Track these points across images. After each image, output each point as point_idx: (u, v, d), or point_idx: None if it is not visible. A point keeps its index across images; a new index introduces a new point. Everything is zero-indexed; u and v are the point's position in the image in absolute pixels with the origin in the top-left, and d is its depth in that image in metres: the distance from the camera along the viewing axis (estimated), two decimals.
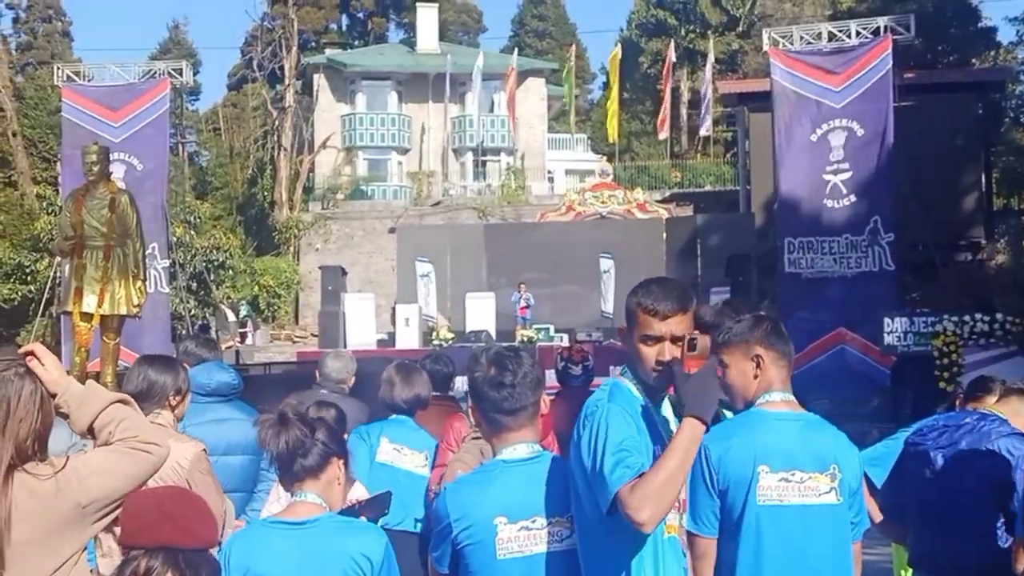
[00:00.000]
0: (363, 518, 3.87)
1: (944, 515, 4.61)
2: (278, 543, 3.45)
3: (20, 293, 30.86)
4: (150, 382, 4.69)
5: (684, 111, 47.60)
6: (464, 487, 3.41)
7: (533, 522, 3.29)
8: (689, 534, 3.46)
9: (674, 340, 3.27)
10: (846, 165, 20.67)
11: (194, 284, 30.01)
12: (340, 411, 3.79)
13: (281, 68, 43.54)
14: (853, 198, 20.55)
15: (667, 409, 3.38)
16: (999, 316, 17.66)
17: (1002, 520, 4.51)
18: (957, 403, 5.39)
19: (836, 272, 20.53)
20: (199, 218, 33.86)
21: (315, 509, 3.52)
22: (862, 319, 19.59)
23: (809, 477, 3.49)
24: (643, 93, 52.32)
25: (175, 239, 25.45)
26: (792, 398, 3.65)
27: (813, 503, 3.50)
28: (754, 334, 3.67)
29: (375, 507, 4.19)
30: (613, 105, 42.92)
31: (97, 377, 11.03)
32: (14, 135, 37.33)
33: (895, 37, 21.07)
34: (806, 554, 3.47)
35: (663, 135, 44.02)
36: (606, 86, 48.11)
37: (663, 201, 35.07)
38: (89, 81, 24.30)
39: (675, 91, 45.21)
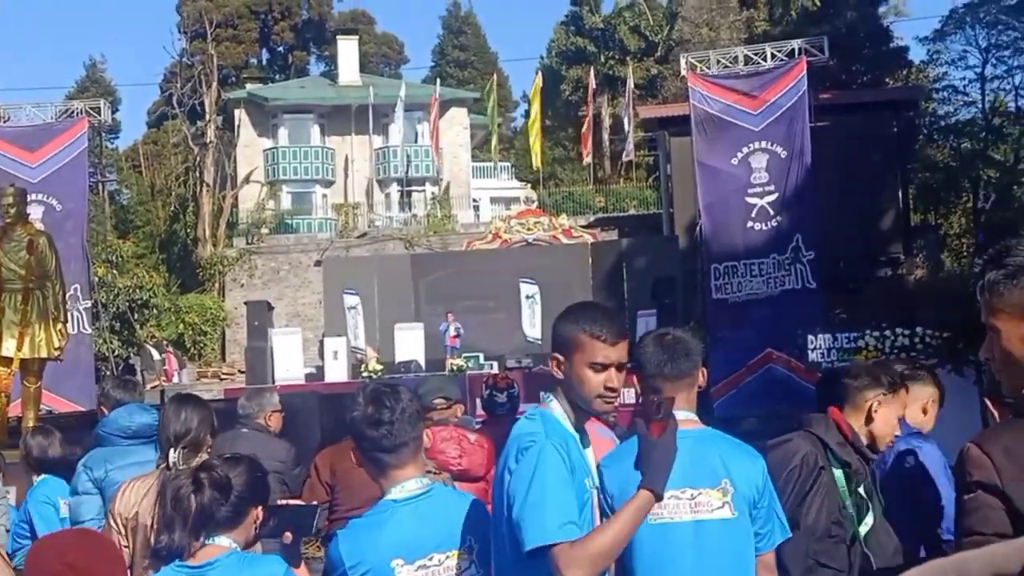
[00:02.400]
0: (287, 535, 3.85)
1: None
2: None
3: None
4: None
5: (606, 136, 48.00)
6: (357, 531, 3.33)
7: (430, 559, 3.24)
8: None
9: (619, 368, 3.26)
10: (771, 187, 20.92)
11: (117, 324, 29.58)
12: (250, 463, 3.74)
13: (201, 104, 43.23)
14: (779, 219, 20.82)
15: (589, 451, 3.37)
16: (919, 330, 17.99)
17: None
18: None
19: (763, 292, 20.75)
20: (121, 257, 33.44)
21: (218, 550, 3.58)
22: (787, 337, 19.83)
23: (700, 493, 3.48)
24: (565, 120, 52.72)
25: (97, 279, 25.07)
26: (688, 415, 3.64)
27: (705, 519, 3.48)
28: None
29: (299, 522, 4.10)
30: (536, 132, 43.18)
31: (19, 421, 10.84)
32: None
33: (810, 59, 21.42)
34: (701, 570, 3.46)
35: (586, 161, 44.37)
36: (528, 114, 48.40)
37: (588, 226, 35.27)
38: (5, 122, 23.87)
39: (596, 117, 45.59)
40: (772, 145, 20.94)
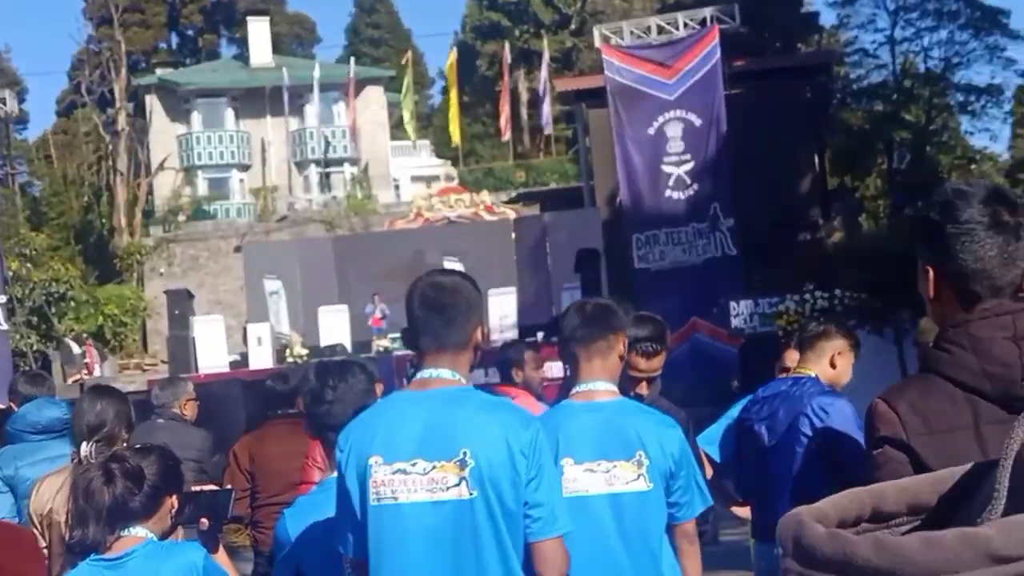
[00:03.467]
0: (203, 521, 3.84)
1: (778, 485, 4.67)
2: None
3: None
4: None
5: (524, 111, 48.01)
6: (303, 510, 3.34)
7: None
8: None
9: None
10: (687, 156, 21.09)
11: (35, 319, 29.03)
12: (161, 451, 3.72)
13: (111, 91, 42.49)
14: (695, 187, 21.00)
15: None
16: (837, 292, 18.29)
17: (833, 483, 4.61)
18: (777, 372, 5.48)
19: (685, 262, 20.94)
20: (35, 250, 32.75)
21: (134, 541, 3.54)
22: (710, 305, 20.06)
23: (615, 466, 3.48)
24: (482, 96, 52.63)
25: (11, 274, 24.58)
26: (606, 386, 3.65)
27: (620, 491, 3.50)
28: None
29: (215, 508, 4.07)
30: (454, 109, 43.05)
31: None
32: None
33: (722, 27, 21.63)
34: (617, 542, 3.47)
35: (506, 136, 44.35)
36: (445, 90, 48.25)
37: (510, 202, 35.30)
38: None
39: (514, 92, 45.57)
40: (687, 114, 21.13)
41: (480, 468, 2.89)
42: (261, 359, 25.40)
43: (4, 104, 23.58)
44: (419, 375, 3.10)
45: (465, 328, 3.04)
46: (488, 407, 3.08)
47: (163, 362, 30.32)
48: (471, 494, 2.89)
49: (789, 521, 1.02)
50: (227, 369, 24.86)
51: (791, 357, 5.26)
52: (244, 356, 26.82)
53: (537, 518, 2.92)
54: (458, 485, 2.90)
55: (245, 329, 27.65)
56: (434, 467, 2.92)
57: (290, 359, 24.89)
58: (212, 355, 25.29)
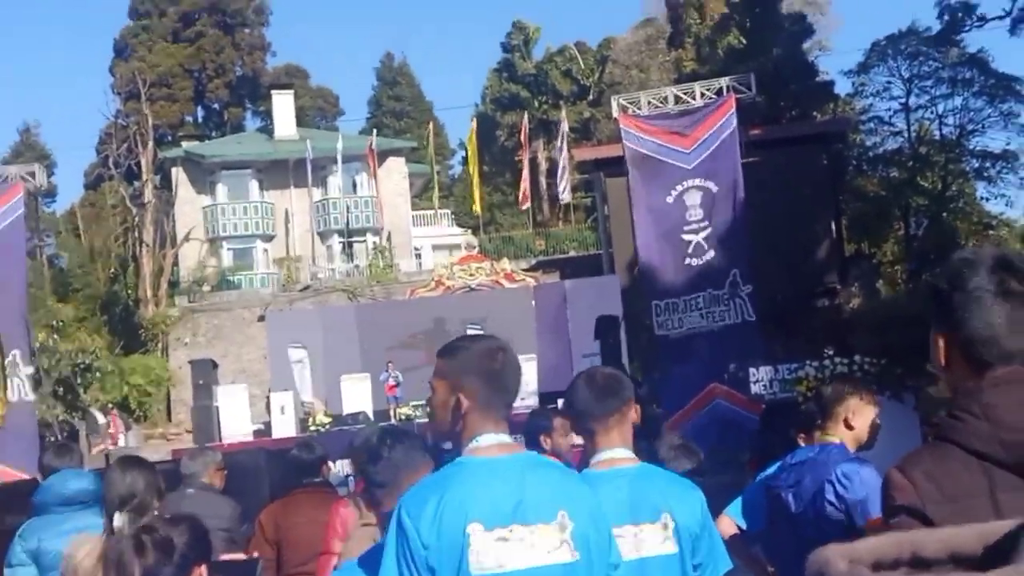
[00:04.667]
0: None
1: (806, 551, 4.66)
2: None
3: None
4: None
5: (543, 180, 48.38)
6: (352, 572, 3.37)
7: None
8: None
9: None
10: (705, 223, 21.13)
11: (60, 389, 29.20)
12: (192, 521, 3.79)
13: (138, 164, 43.01)
14: (712, 254, 21.03)
15: None
16: (857, 358, 18.27)
17: None
18: (800, 439, 5.48)
19: (704, 327, 20.90)
20: (62, 321, 33.04)
21: None
22: (730, 371, 20.03)
23: (641, 529, 3.51)
24: (502, 165, 53.08)
25: (38, 345, 24.78)
26: (625, 453, 3.72)
27: (649, 555, 3.53)
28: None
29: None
30: (475, 178, 43.41)
31: None
32: None
33: (738, 96, 21.77)
34: None
35: (525, 205, 44.61)
36: (466, 160, 48.64)
37: (530, 270, 35.45)
38: None
39: (533, 161, 45.94)
40: (705, 181, 21.21)
41: (580, 530, 2.91)
42: (284, 427, 25.48)
43: (33, 178, 23.84)
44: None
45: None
46: (565, 470, 3.20)
47: (187, 431, 30.40)
48: (574, 556, 2.89)
49: (817, 558, 1.04)
50: (251, 438, 24.94)
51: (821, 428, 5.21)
52: (267, 425, 26.89)
53: None
54: (559, 548, 2.88)
55: (268, 398, 27.75)
56: (532, 532, 2.88)
57: (313, 427, 24.95)
58: (236, 424, 25.40)
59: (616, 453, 3.70)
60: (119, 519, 4.51)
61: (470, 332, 28.44)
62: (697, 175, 21.23)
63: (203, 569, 3.73)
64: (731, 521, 5.21)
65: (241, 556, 5.41)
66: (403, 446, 3.62)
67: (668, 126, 21.63)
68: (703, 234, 21.12)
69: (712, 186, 21.18)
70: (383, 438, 3.68)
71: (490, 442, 3.00)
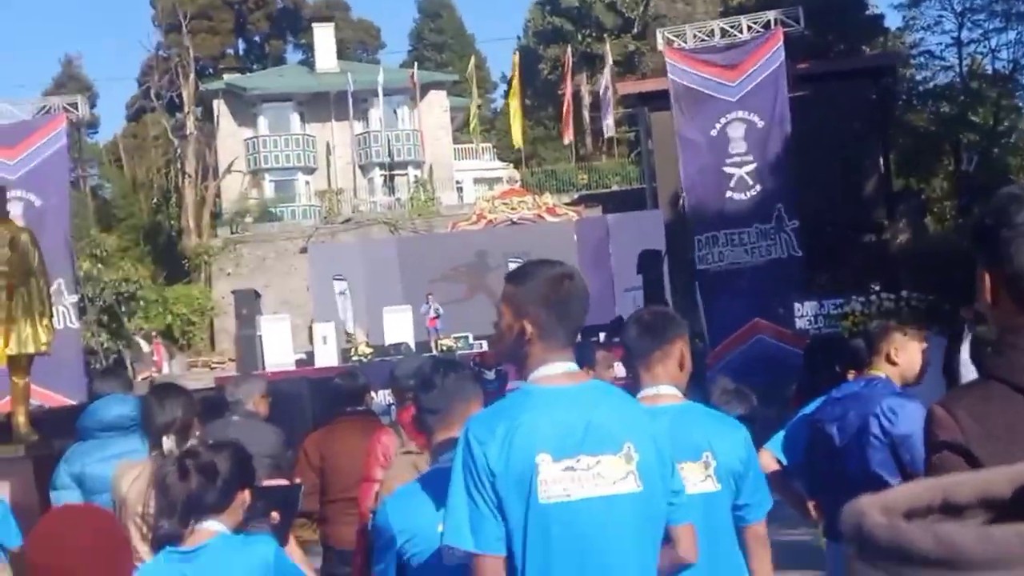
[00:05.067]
0: (274, 516, 3.97)
1: (849, 485, 4.65)
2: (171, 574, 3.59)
3: None
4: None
5: (586, 114, 47.97)
6: (406, 498, 3.39)
7: None
8: None
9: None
10: (749, 157, 20.92)
11: (105, 317, 29.60)
12: (235, 447, 3.82)
13: (180, 96, 43.13)
14: (758, 188, 20.85)
15: None
16: (904, 294, 18.13)
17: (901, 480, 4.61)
18: (849, 375, 5.44)
19: (748, 263, 20.76)
20: (106, 251, 33.38)
21: (207, 534, 3.64)
22: (774, 306, 19.93)
23: (682, 467, 3.38)
24: (545, 99, 52.66)
25: (82, 273, 25.07)
26: (669, 390, 3.69)
27: (690, 494, 3.38)
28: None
29: (285, 502, 4.20)
30: (516, 112, 43.15)
31: (9, 417, 10.87)
32: None
33: (785, 29, 21.45)
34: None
35: (567, 139, 44.35)
36: (508, 94, 48.34)
37: (572, 204, 35.32)
38: None
39: (576, 95, 45.56)
40: (750, 115, 20.97)
41: (645, 460, 2.93)
42: (326, 357, 25.72)
43: (76, 109, 23.95)
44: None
45: None
46: (631, 401, 3.20)
47: (231, 360, 30.75)
48: (639, 487, 2.91)
49: (852, 510, 1.01)
50: (293, 367, 25.18)
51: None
52: (309, 355, 27.14)
53: (679, 504, 3.03)
54: (625, 479, 2.90)
55: (311, 328, 27.99)
56: (598, 462, 2.89)
57: (355, 358, 25.15)
58: (279, 353, 25.64)
59: (660, 390, 3.67)
60: (168, 443, 4.58)
61: (511, 266, 28.47)
62: (742, 108, 21.00)
63: (246, 494, 3.78)
64: (771, 455, 5.19)
65: (284, 481, 5.46)
66: (456, 375, 3.64)
67: (714, 59, 21.36)
68: (747, 168, 20.92)
69: (757, 120, 20.95)
70: (436, 367, 3.70)
71: (557, 371, 3.00)
